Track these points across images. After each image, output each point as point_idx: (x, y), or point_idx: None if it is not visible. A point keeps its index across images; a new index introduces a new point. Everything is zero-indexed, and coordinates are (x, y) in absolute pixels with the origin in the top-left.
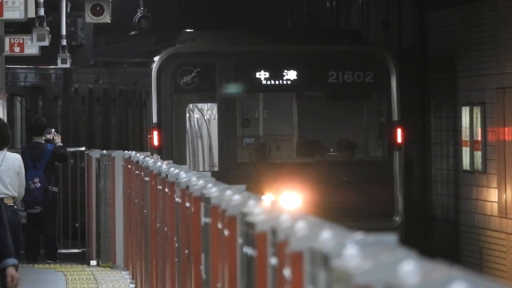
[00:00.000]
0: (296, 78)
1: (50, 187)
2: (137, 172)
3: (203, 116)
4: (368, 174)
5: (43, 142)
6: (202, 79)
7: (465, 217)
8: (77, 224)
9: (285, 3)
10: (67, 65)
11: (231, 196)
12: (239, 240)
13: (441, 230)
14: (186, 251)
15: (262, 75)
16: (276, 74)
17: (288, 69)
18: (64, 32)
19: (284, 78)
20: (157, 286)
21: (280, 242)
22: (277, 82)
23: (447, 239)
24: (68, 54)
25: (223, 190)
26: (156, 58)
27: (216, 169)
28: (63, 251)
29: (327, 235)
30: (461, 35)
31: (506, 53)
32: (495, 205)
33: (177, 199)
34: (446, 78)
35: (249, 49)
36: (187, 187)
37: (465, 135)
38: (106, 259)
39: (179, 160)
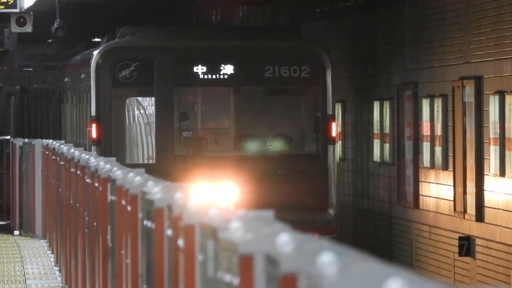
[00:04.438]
0: (233, 72)
1: None
2: (53, 157)
3: (144, 110)
4: (303, 168)
5: None
6: (140, 73)
7: None
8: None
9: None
10: None
11: (133, 178)
12: (140, 215)
13: None
14: (95, 224)
15: (199, 69)
16: (214, 68)
17: (225, 64)
18: None
19: (221, 72)
20: (70, 252)
21: (175, 217)
22: (214, 77)
23: None
24: None
25: (127, 173)
26: (95, 52)
27: (153, 161)
28: None
29: (215, 211)
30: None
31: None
32: None
33: (88, 180)
34: None
35: (187, 44)
36: (96, 170)
37: None
38: (28, 230)
39: (117, 152)
